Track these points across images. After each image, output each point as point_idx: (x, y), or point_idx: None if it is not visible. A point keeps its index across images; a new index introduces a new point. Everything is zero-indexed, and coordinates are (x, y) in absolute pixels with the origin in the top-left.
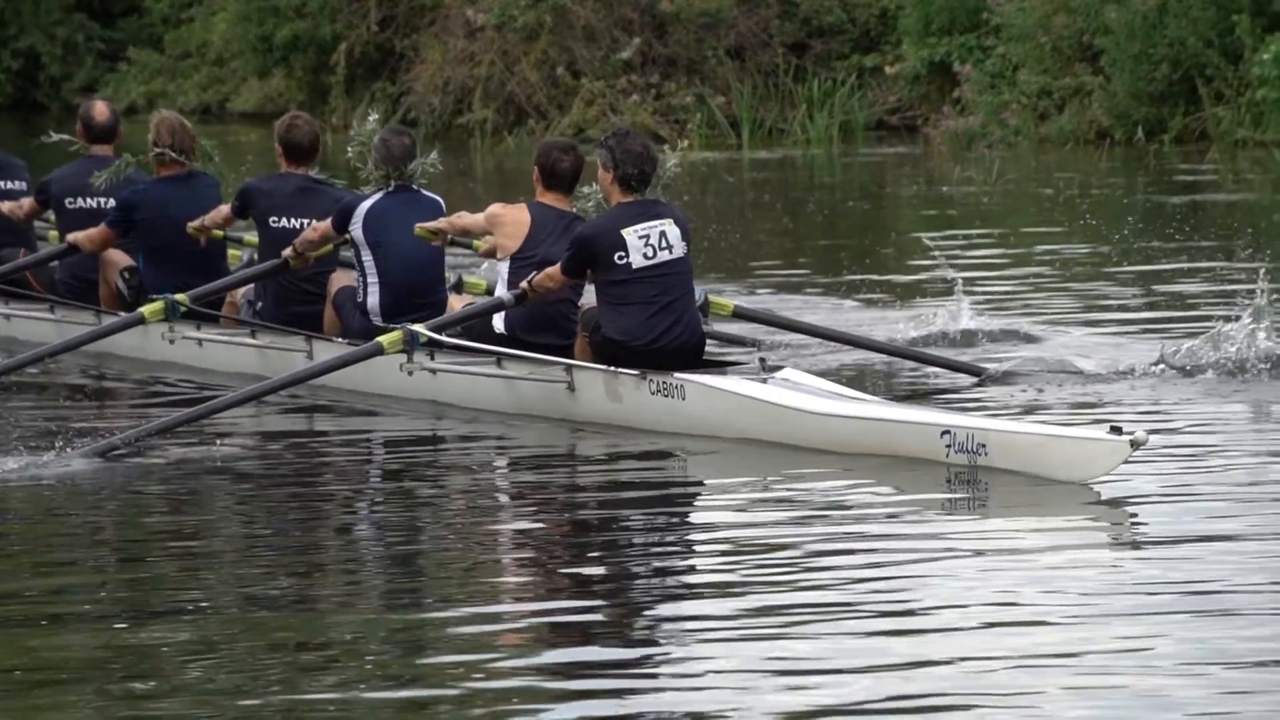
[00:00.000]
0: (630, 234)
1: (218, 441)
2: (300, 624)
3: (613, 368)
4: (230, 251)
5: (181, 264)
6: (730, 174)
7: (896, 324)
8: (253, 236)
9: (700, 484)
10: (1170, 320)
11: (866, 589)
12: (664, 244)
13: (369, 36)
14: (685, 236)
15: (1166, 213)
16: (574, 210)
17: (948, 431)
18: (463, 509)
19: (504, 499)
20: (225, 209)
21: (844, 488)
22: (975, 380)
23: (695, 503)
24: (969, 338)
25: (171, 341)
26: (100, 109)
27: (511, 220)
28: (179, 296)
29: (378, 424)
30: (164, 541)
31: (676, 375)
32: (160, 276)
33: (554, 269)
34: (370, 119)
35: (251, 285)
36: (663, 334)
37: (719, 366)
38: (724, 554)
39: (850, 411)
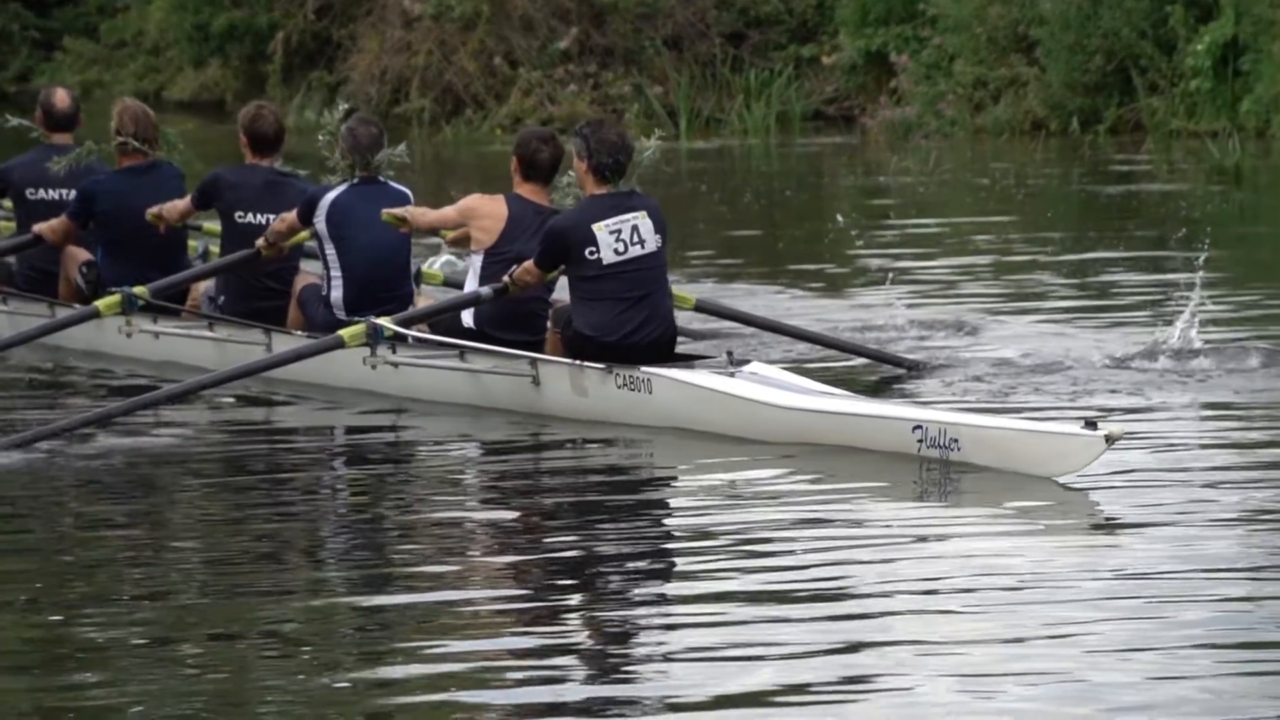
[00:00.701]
0: (601, 229)
1: (162, 433)
2: (243, 612)
3: (578, 361)
4: (189, 242)
5: (141, 257)
6: (668, 164)
7: (834, 314)
8: (212, 225)
9: (661, 474)
10: (1105, 310)
11: (816, 575)
12: (636, 239)
13: (306, 25)
14: (660, 229)
15: (1101, 203)
16: (552, 203)
17: (920, 426)
18: (421, 500)
19: (463, 490)
20: (185, 202)
21: (805, 479)
22: (908, 371)
23: (655, 493)
24: (904, 328)
25: (128, 335)
26: (61, 96)
27: (488, 213)
28: (137, 290)
29: (337, 418)
30: (102, 531)
31: (643, 369)
32: (119, 270)
33: (530, 263)
34: (339, 108)
35: (212, 282)
36: (634, 330)
37: (686, 360)
38: (682, 541)
39: (820, 406)
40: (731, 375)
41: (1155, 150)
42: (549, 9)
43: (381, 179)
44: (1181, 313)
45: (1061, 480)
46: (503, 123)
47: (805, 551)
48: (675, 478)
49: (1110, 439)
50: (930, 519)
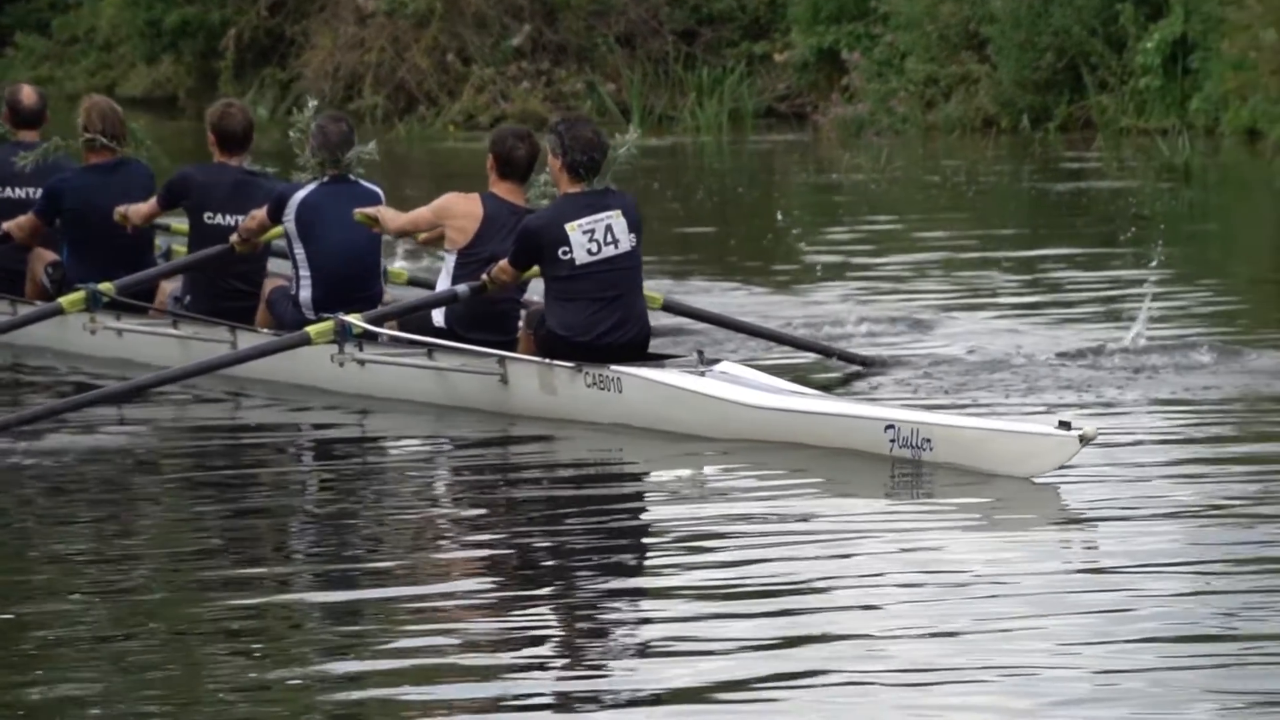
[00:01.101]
0: (574, 229)
1: (123, 430)
2: (199, 606)
3: (548, 359)
4: (175, 248)
5: (108, 256)
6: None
7: (785, 311)
8: (181, 224)
9: (626, 471)
10: (1056, 306)
11: (769, 570)
12: (610, 238)
13: (259, 22)
14: (634, 227)
15: (1052, 200)
16: (528, 203)
17: (892, 426)
18: (384, 497)
19: (424, 486)
20: (150, 204)
21: (770, 477)
22: (865, 369)
23: (619, 489)
24: (857, 325)
25: (93, 332)
26: (28, 93)
27: (464, 212)
28: (103, 286)
29: (302, 416)
30: (60, 527)
31: (612, 368)
32: (85, 268)
33: (505, 262)
34: (309, 105)
35: (179, 282)
36: (607, 330)
37: (656, 359)
38: (642, 538)
39: (792, 405)
40: (702, 374)
41: (1105, 147)
42: (502, 6)
43: (352, 177)
44: (1132, 310)
45: (1018, 476)
46: (456, 119)
47: (760, 547)
48: (640, 475)
49: (1085, 439)
50: (887, 516)
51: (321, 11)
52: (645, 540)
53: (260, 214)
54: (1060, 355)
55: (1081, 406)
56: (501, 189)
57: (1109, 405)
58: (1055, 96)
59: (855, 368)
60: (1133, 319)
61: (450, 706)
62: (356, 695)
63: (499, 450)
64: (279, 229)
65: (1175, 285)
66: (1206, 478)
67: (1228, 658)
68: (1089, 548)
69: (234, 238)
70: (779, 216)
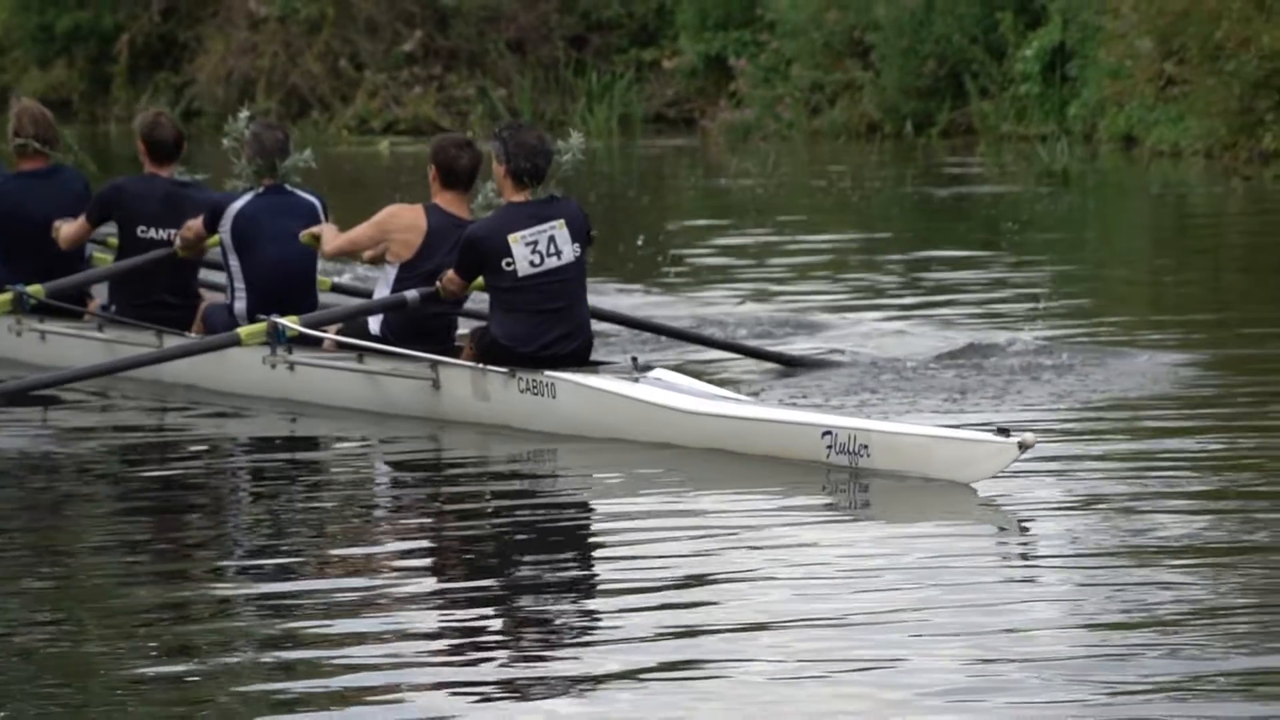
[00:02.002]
0: (517, 240)
1: (41, 432)
2: (115, 602)
3: (480, 364)
4: (96, 254)
5: (39, 263)
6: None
7: (676, 310)
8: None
9: (556, 475)
10: (942, 308)
11: (666, 566)
12: (553, 249)
13: (151, 27)
14: (579, 235)
15: (935, 204)
16: (472, 214)
17: (829, 432)
18: (308, 498)
19: (351, 487)
20: (81, 223)
21: (697, 481)
22: (786, 368)
23: (547, 492)
24: (750, 327)
25: (18, 334)
26: None
27: (409, 224)
28: (31, 289)
29: (230, 419)
30: None
31: (546, 373)
32: (16, 275)
33: (451, 272)
34: (241, 114)
35: (106, 293)
36: (551, 341)
37: (590, 365)
38: (557, 537)
39: (728, 411)
40: (636, 380)
41: (986, 153)
42: (393, 12)
43: (288, 187)
44: (1014, 311)
45: (956, 482)
46: (349, 124)
47: (660, 543)
48: (568, 478)
49: (1024, 446)
50: (794, 514)
51: (214, 17)
52: (562, 539)
53: (197, 224)
54: (948, 357)
55: (973, 407)
56: (445, 199)
57: (999, 404)
58: (937, 103)
59: (776, 367)
60: (1016, 321)
61: (368, 697)
62: (280, 687)
63: (430, 453)
64: (214, 239)
65: (1055, 287)
66: (1089, 474)
67: (1105, 648)
68: (978, 540)
69: (177, 243)
70: (640, 241)
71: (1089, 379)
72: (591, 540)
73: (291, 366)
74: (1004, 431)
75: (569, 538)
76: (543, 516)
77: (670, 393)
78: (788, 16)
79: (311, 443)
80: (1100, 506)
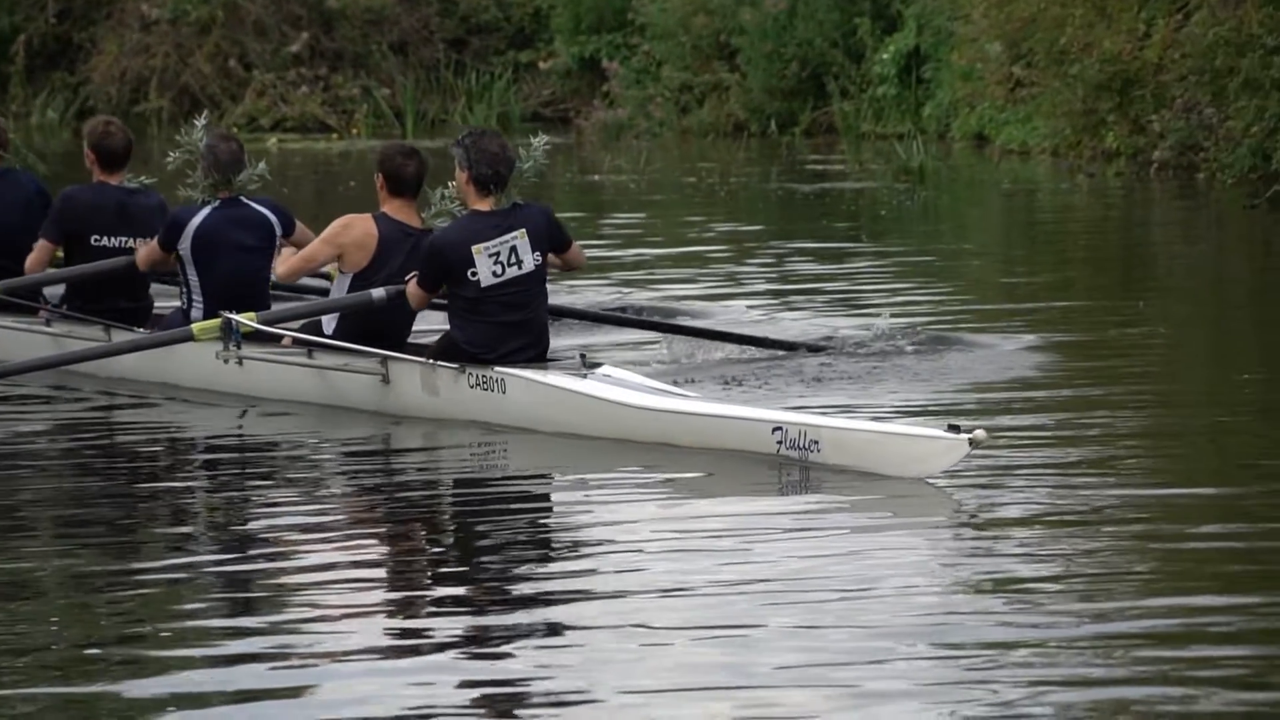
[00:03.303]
0: (480, 252)
1: None
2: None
3: (430, 360)
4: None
5: None
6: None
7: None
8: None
9: (502, 470)
10: (804, 295)
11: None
12: (513, 259)
13: (47, 28)
14: (540, 243)
15: (799, 199)
16: (423, 222)
17: (779, 428)
18: (256, 489)
19: (297, 480)
20: (44, 246)
21: (636, 477)
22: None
23: (494, 487)
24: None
25: None
26: None
27: (361, 236)
28: None
29: (179, 413)
30: None
31: (496, 369)
32: None
33: (414, 286)
34: (197, 125)
35: (58, 297)
36: (512, 351)
37: (539, 361)
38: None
39: (679, 407)
40: (584, 376)
41: (847, 151)
42: (280, 14)
43: (244, 199)
44: (875, 302)
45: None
46: (238, 122)
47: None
48: (514, 473)
49: (975, 443)
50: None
51: (108, 19)
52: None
53: (152, 249)
54: (814, 348)
55: (830, 397)
56: (392, 207)
57: (859, 390)
58: (800, 103)
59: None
60: (875, 312)
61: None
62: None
63: (379, 447)
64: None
65: (911, 280)
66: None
67: (957, 612)
68: (833, 519)
69: (140, 262)
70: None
71: (944, 363)
72: (525, 523)
73: (240, 362)
74: (955, 428)
75: (498, 522)
76: (486, 516)
77: (619, 389)
78: (658, 21)
79: (259, 436)
80: (956, 482)
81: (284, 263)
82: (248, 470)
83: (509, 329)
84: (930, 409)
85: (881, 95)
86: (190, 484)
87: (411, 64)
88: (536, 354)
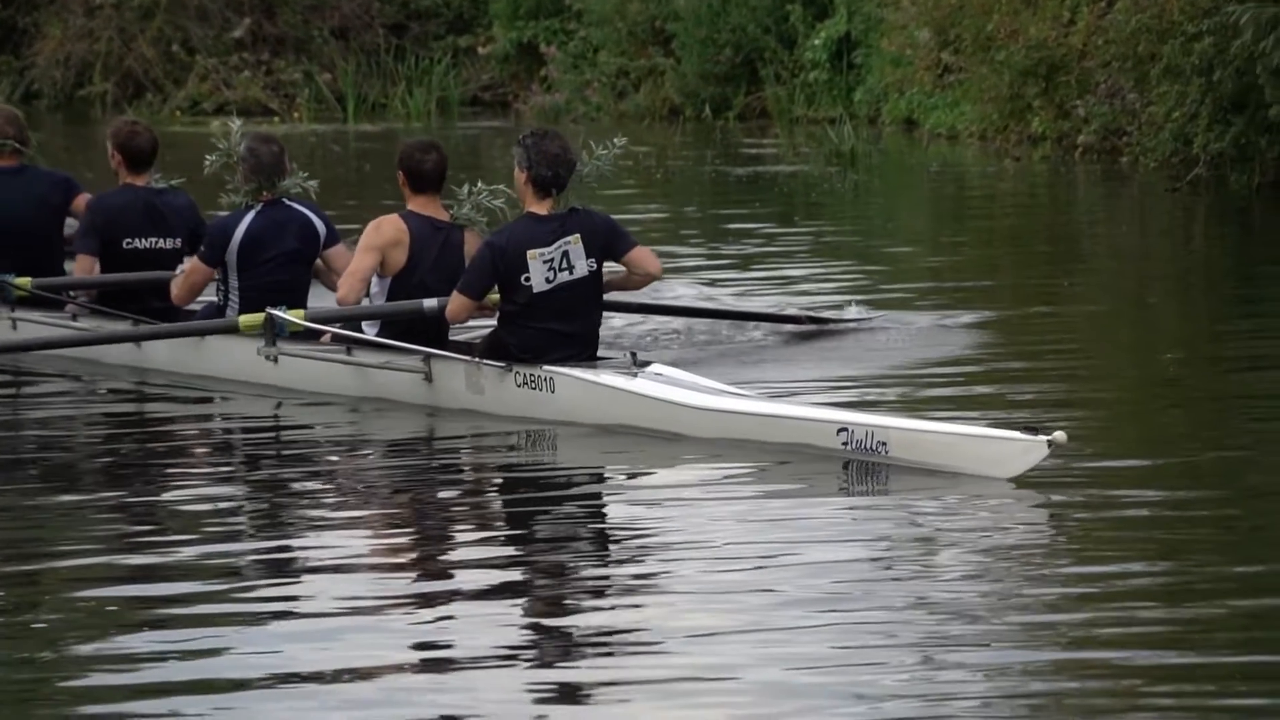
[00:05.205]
0: (535, 258)
1: (8, 415)
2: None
3: (475, 358)
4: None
5: (17, 259)
6: (337, 145)
7: None
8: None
9: (555, 466)
10: (739, 274)
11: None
12: (565, 264)
13: None
14: (595, 250)
15: (733, 182)
16: (452, 218)
17: (845, 429)
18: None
19: (341, 478)
20: (85, 260)
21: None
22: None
23: (547, 484)
24: None
25: None
26: None
27: (394, 237)
28: (19, 280)
29: (217, 407)
30: None
31: (545, 368)
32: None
33: (457, 298)
34: (234, 127)
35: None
36: (564, 357)
37: (588, 360)
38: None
39: (739, 407)
40: (635, 375)
41: (780, 135)
42: (223, 0)
43: (286, 201)
44: (807, 279)
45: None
46: (181, 106)
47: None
48: (563, 470)
49: (1054, 444)
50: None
51: (52, 3)
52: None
53: (196, 268)
54: (760, 328)
55: (772, 375)
56: (417, 204)
57: (790, 367)
58: (734, 88)
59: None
60: (809, 289)
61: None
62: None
63: (422, 443)
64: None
65: (841, 260)
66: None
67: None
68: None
69: (175, 291)
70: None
71: (877, 340)
72: (585, 522)
73: (275, 360)
74: (1032, 429)
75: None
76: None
77: (673, 388)
78: (594, 7)
79: (299, 428)
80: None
81: (344, 286)
82: (289, 461)
83: (559, 336)
84: (857, 385)
85: (813, 80)
86: (230, 475)
87: (352, 49)
88: (589, 355)
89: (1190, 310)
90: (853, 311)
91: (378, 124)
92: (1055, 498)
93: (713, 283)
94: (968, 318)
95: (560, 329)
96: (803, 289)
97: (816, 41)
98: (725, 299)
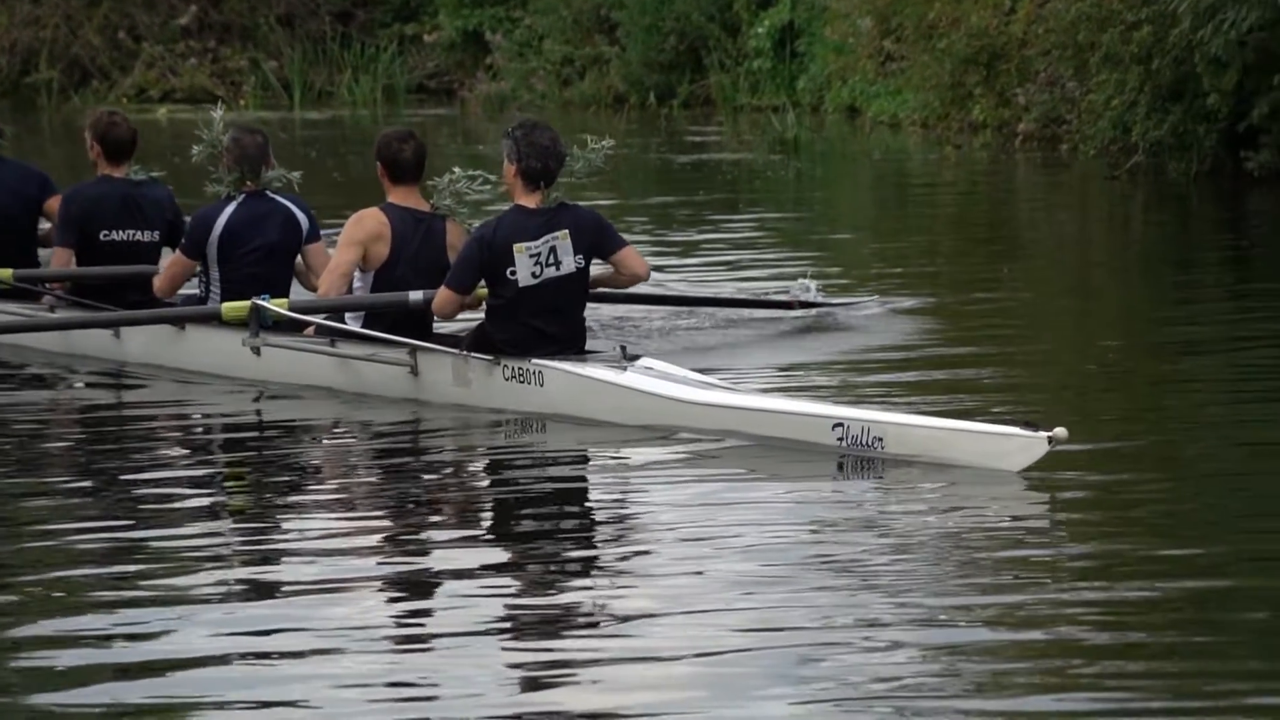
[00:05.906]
0: (522, 251)
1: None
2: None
3: (463, 351)
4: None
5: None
6: (284, 132)
7: None
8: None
9: (544, 458)
10: (684, 260)
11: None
12: (552, 260)
13: None
14: (583, 246)
15: (677, 169)
16: (433, 208)
17: (840, 424)
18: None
19: (321, 467)
20: (61, 252)
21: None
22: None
23: (535, 475)
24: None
25: None
26: None
27: (375, 230)
28: (1, 272)
29: (196, 398)
30: None
31: (534, 361)
32: None
33: (444, 292)
34: (215, 115)
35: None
36: (549, 352)
37: (577, 354)
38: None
39: (731, 401)
40: (624, 369)
41: (725, 122)
42: None
43: (269, 193)
44: (751, 265)
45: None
46: (128, 93)
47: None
48: (555, 462)
49: (1054, 440)
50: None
51: None
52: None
53: (178, 260)
54: (712, 314)
55: (714, 355)
56: (397, 195)
57: (735, 353)
58: (678, 76)
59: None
60: (752, 275)
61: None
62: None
63: (409, 430)
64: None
65: (783, 247)
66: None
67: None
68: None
69: (157, 284)
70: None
71: (822, 325)
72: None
73: (258, 350)
74: (1032, 425)
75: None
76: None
77: (664, 382)
78: None
79: (282, 420)
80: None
81: (321, 284)
82: (273, 453)
83: (544, 331)
84: (803, 370)
85: (757, 68)
86: (208, 463)
87: (298, 36)
88: (574, 349)
89: (1129, 296)
90: (808, 289)
91: (324, 111)
92: (994, 482)
93: (661, 269)
94: (909, 303)
95: (545, 325)
96: (748, 274)
97: (760, 30)
98: (714, 287)
